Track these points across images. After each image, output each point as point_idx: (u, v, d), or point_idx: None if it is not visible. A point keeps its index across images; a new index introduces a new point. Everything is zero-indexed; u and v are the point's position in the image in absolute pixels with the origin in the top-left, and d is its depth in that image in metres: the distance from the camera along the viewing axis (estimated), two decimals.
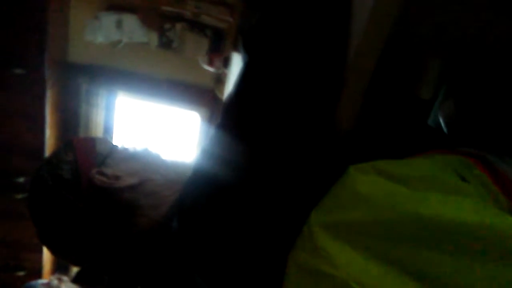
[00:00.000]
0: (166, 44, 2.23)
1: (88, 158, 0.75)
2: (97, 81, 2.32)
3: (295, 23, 0.60)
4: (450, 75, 0.77)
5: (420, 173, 0.53)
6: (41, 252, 2.33)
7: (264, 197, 0.57)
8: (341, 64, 0.61)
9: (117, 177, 0.73)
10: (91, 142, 0.79)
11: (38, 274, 2.38)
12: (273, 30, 0.61)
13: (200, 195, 0.62)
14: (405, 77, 0.76)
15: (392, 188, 0.51)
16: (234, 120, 0.63)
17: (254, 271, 0.58)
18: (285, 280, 0.56)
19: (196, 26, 2.21)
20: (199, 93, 2.43)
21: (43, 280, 1.73)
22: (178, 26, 2.19)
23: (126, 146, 0.82)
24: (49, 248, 0.78)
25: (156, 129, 2.69)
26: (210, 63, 2.24)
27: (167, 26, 2.20)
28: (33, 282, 1.65)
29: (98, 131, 2.46)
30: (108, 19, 2.11)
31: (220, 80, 2.33)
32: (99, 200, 0.72)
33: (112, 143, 0.82)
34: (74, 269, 2.39)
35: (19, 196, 2.13)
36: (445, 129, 0.77)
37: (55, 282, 1.62)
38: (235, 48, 2.07)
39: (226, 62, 2.19)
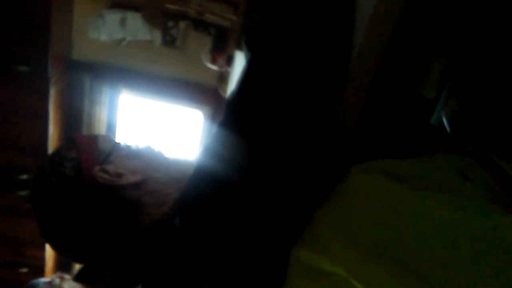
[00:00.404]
0: (169, 42, 2.23)
1: (90, 155, 0.75)
2: (100, 79, 2.32)
3: (298, 21, 0.60)
4: (454, 75, 0.77)
5: (423, 172, 0.53)
6: (43, 249, 2.34)
7: (266, 195, 0.57)
8: (345, 62, 0.61)
9: (119, 175, 0.73)
10: (94, 139, 0.79)
11: (40, 271, 2.39)
12: (276, 29, 0.61)
13: (203, 193, 0.62)
14: (408, 76, 0.76)
15: (395, 188, 0.50)
16: (236, 118, 0.63)
17: (256, 269, 0.58)
18: (287, 278, 0.56)
19: (200, 24, 2.21)
20: (202, 91, 2.43)
21: (45, 279, 1.73)
22: (182, 24, 2.19)
23: (128, 144, 0.81)
24: (52, 245, 0.79)
25: (159, 127, 2.69)
26: (213, 61, 2.24)
27: (170, 24, 2.20)
28: (35, 281, 1.66)
29: (101, 129, 2.46)
30: (112, 17, 2.12)
31: (223, 78, 2.33)
32: (101, 197, 0.72)
33: (114, 140, 0.82)
34: (76, 267, 2.40)
35: (22, 193, 2.13)
36: (448, 128, 0.76)
37: (57, 280, 1.63)
38: (239, 47, 2.07)
39: (229, 60, 2.19)
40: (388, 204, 0.49)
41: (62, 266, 2.51)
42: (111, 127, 2.50)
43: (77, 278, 0.79)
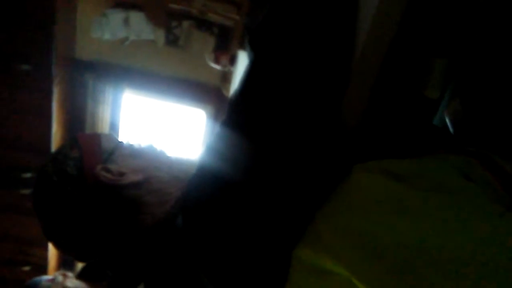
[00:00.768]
0: (172, 41, 2.24)
1: (93, 154, 0.75)
2: (103, 78, 2.33)
3: (301, 21, 0.60)
4: (457, 75, 0.77)
5: (425, 172, 0.53)
6: (46, 247, 2.35)
7: (268, 195, 0.57)
8: (347, 62, 0.61)
9: (121, 174, 0.73)
10: (96, 138, 0.79)
11: (43, 269, 2.40)
12: (279, 28, 0.61)
13: (205, 192, 0.62)
14: (411, 76, 0.76)
15: (397, 188, 0.50)
16: (239, 117, 0.63)
17: (258, 269, 0.58)
18: (289, 277, 0.56)
19: (203, 24, 2.21)
20: (205, 91, 2.44)
21: (48, 276, 1.74)
22: (185, 23, 2.19)
23: (131, 143, 0.82)
24: (54, 243, 0.79)
25: (162, 126, 2.69)
26: (217, 61, 2.25)
27: (174, 23, 2.20)
28: (38, 278, 1.66)
29: (104, 128, 2.47)
30: (115, 16, 2.12)
31: (226, 77, 2.33)
32: (103, 196, 0.72)
33: (117, 139, 0.82)
34: (79, 265, 2.40)
35: (26, 191, 2.14)
36: (451, 129, 0.76)
37: (59, 278, 1.63)
38: (242, 46, 2.07)
39: (232, 60, 2.19)
40: (389, 204, 0.49)
41: (64, 264, 2.52)
42: (114, 126, 2.51)
43: (80, 276, 0.79)
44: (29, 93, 1.98)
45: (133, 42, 2.23)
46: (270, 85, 0.60)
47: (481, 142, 0.68)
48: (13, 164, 2.13)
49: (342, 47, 0.61)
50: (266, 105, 0.59)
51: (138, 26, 2.16)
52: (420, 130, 0.77)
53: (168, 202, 0.73)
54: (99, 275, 0.78)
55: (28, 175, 2.13)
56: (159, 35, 2.23)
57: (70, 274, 1.76)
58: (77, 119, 2.39)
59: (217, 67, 2.26)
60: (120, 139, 0.82)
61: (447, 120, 0.77)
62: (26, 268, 2.38)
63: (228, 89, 2.29)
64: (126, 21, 2.14)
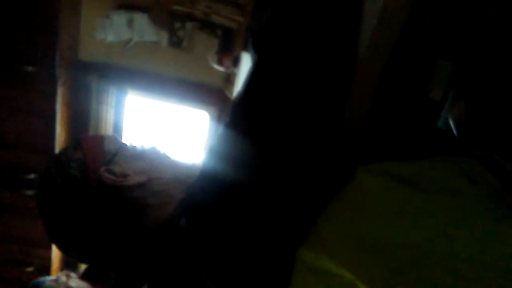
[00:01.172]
0: (176, 43, 2.24)
1: (96, 156, 0.76)
2: (107, 79, 2.33)
3: (304, 22, 0.60)
4: (461, 77, 0.76)
5: (429, 175, 0.52)
6: (49, 248, 2.35)
7: (272, 197, 0.57)
8: (351, 63, 0.61)
9: (125, 176, 0.74)
10: (99, 140, 0.79)
11: (46, 270, 2.41)
12: (282, 30, 0.61)
13: (208, 194, 0.62)
14: (415, 78, 0.75)
15: (401, 190, 0.50)
16: (242, 119, 0.63)
17: (261, 271, 0.58)
18: (292, 279, 0.56)
19: (206, 25, 2.22)
20: (208, 92, 2.44)
21: (51, 277, 1.74)
22: (189, 25, 2.20)
23: (134, 145, 0.82)
24: (57, 245, 0.79)
25: (165, 128, 2.70)
26: (220, 63, 2.25)
27: (177, 25, 2.21)
28: (41, 279, 1.66)
29: (107, 129, 2.47)
30: (119, 18, 2.13)
31: (229, 79, 2.33)
32: (106, 198, 0.72)
33: (120, 141, 0.82)
34: (82, 266, 2.41)
35: (29, 192, 2.15)
36: (455, 131, 0.76)
37: (63, 278, 1.63)
38: (245, 48, 2.07)
39: (236, 62, 2.19)
40: (393, 206, 0.49)
41: (68, 265, 2.53)
42: (117, 128, 2.51)
43: (84, 276, 0.79)
44: (33, 94, 1.99)
45: (137, 43, 2.23)
46: (274, 88, 0.60)
47: (485, 144, 0.67)
48: (17, 165, 2.14)
49: (346, 50, 0.61)
50: (269, 107, 0.59)
51: (142, 28, 2.16)
52: (424, 132, 0.77)
53: (171, 203, 0.73)
54: (102, 276, 0.79)
55: (32, 176, 2.14)
56: (163, 37, 2.23)
57: (73, 274, 1.76)
58: (81, 120, 2.39)
59: (220, 68, 2.27)
60: (123, 141, 0.82)
61: (451, 123, 0.77)
62: (30, 269, 2.39)
63: (231, 91, 2.29)
64: (129, 23, 2.14)
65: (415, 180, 0.51)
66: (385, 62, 0.60)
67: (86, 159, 0.75)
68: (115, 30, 2.13)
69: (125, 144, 0.81)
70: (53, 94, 2.00)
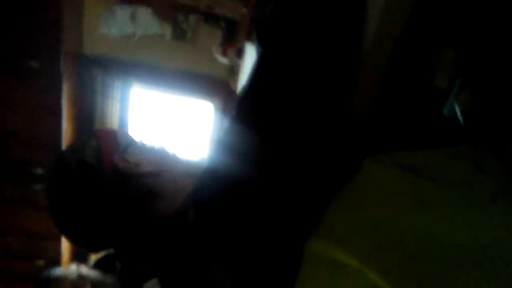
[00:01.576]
0: (180, 35, 2.24)
1: (110, 146, 0.78)
2: (112, 73, 2.34)
3: (308, 13, 0.60)
4: (466, 65, 0.76)
5: (438, 164, 0.53)
6: (59, 241, 2.38)
7: (280, 188, 0.57)
8: (356, 54, 0.61)
9: (138, 164, 0.75)
10: (112, 133, 0.82)
11: (56, 263, 2.43)
12: (286, 21, 0.61)
13: (216, 186, 0.62)
14: (421, 66, 0.75)
15: (410, 180, 0.50)
16: (248, 111, 0.63)
17: (270, 262, 0.59)
18: (301, 270, 0.56)
19: (210, 17, 2.21)
20: (213, 84, 2.44)
21: (62, 268, 1.76)
22: (192, 18, 2.19)
23: (144, 142, 0.83)
24: (66, 233, 0.80)
25: (171, 120, 2.70)
26: (224, 54, 2.25)
27: (181, 18, 2.20)
28: (52, 270, 1.68)
29: (113, 123, 2.48)
30: (122, 12, 2.13)
31: (233, 70, 2.33)
32: (120, 185, 0.74)
33: (131, 136, 0.84)
34: (92, 259, 2.43)
35: (37, 186, 2.17)
36: (461, 120, 0.76)
37: (74, 267, 1.65)
38: (249, 39, 2.07)
39: (240, 53, 2.19)
40: (402, 196, 0.49)
41: (78, 257, 2.55)
42: (123, 121, 2.52)
43: (95, 267, 0.81)
44: (38, 90, 2.00)
45: (141, 37, 2.23)
46: (279, 79, 0.60)
47: (492, 133, 0.67)
48: (24, 160, 2.15)
49: (351, 40, 0.61)
50: (275, 99, 0.59)
51: (145, 21, 2.16)
52: (430, 121, 0.77)
53: (181, 196, 0.74)
54: (113, 267, 0.80)
55: (39, 171, 2.15)
56: (166, 30, 2.23)
57: (83, 266, 1.78)
58: (87, 114, 2.40)
59: (224, 60, 2.26)
60: (133, 137, 0.84)
61: (458, 112, 0.77)
62: (40, 262, 2.41)
63: (235, 82, 2.29)
64: (133, 17, 2.14)
65: (424, 169, 0.51)
66: (391, 51, 0.60)
67: (101, 147, 0.77)
68: (119, 24, 2.13)
69: (136, 140, 0.83)
70: (59, 89, 2.01)
